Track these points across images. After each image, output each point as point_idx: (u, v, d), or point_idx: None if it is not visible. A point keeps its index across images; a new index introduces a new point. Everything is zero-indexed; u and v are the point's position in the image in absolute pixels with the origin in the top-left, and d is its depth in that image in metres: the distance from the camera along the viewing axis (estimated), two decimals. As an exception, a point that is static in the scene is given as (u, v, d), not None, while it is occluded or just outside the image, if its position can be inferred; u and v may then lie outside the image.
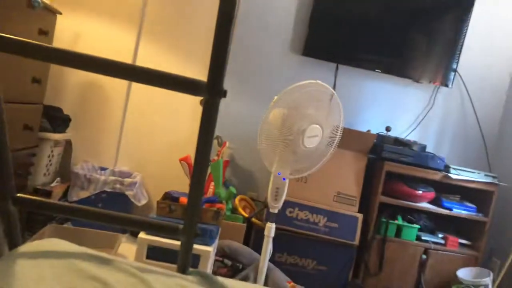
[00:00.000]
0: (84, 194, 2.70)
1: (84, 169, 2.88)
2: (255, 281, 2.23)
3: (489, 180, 2.82)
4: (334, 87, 3.09)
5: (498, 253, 2.90)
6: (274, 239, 2.14)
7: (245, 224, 2.64)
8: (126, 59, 3.03)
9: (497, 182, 2.82)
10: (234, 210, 2.76)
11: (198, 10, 3.09)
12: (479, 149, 3.21)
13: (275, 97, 1.94)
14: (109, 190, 2.73)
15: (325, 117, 2.06)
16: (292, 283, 2.43)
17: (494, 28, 3.21)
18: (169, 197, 2.33)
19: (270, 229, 2.18)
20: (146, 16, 3.06)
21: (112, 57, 0.79)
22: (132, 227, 1.15)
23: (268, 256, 2.18)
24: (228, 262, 2.43)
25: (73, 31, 3.02)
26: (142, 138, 3.13)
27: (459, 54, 3.10)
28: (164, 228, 1.03)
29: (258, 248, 2.26)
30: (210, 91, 0.73)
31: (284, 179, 2.13)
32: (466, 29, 3.08)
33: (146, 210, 2.98)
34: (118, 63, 0.79)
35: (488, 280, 2.58)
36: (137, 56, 3.05)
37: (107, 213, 1.07)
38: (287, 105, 2.00)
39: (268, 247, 2.17)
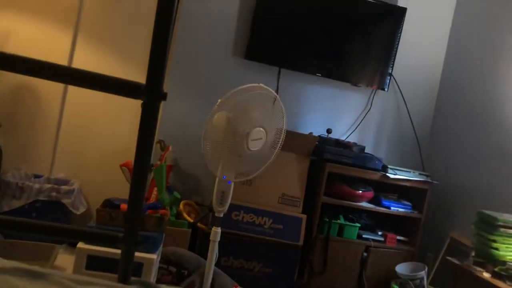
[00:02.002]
0: (16, 204, 2.53)
1: (15, 177, 2.70)
2: (201, 287, 2.19)
3: (423, 178, 2.98)
4: (276, 91, 3.13)
5: (431, 248, 3.07)
6: (220, 243, 2.12)
7: (190, 230, 2.59)
8: (61, 60, 2.88)
9: (430, 181, 2.98)
10: (178, 216, 2.70)
11: (140, 9, 3.01)
12: (414, 149, 3.38)
13: (219, 100, 1.93)
14: (44, 198, 2.58)
15: (268, 120, 2.08)
16: (239, 287, 2.43)
17: (425, 34, 3.41)
18: (110, 205, 2.24)
19: (216, 233, 2.16)
20: (83, 16, 2.93)
21: (46, 58, 0.75)
22: (68, 238, 1.09)
23: (214, 261, 2.16)
24: (172, 269, 2.38)
25: (1, 30, 2.82)
26: (80, 143, 2.99)
27: (394, 59, 3.26)
28: (102, 238, 0.99)
29: (204, 253, 2.22)
30: (149, 94, 0.70)
31: (229, 182, 2.12)
32: (400, 35, 3.25)
33: (85, 218, 2.85)
34: (50, 65, 0.75)
35: (423, 274, 2.73)
36: (74, 58, 2.91)
37: (41, 224, 1.00)
38: (231, 108, 1.99)
39: (213, 252, 2.15)
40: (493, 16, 3.00)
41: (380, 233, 3.01)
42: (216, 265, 2.27)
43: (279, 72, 3.17)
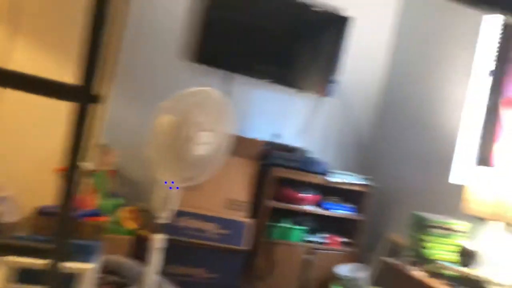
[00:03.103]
0: None
1: None
2: (143, 296, 2.13)
3: (364, 182, 3.09)
4: (225, 95, 3.11)
5: (371, 248, 3.18)
6: (165, 250, 2.07)
7: (133, 237, 2.51)
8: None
9: (370, 184, 3.10)
10: (121, 223, 2.61)
11: (81, 8, 2.89)
12: (357, 153, 3.50)
13: (163, 103, 1.89)
14: (-28, 206, 2.39)
15: (215, 124, 2.07)
16: (183, 294, 2.38)
17: (368, 43, 3.54)
18: (44, 212, 2.13)
19: (159, 240, 2.11)
20: (21, 14, 2.76)
21: None
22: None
23: (156, 269, 2.11)
24: (113, 279, 2.29)
25: None
26: (11, 148, 2.81)
27: (339, 65, 3.36)
28: (30, 250, 0.93)
29: (148, 262, 2.16)
30: (80, 96, 0.67)
31: (173, 187, 2.08)
32: (344, 43, 3.35)
33: (17, 228, 2.67)
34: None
35: (363, 274, 2.81)
36: (11, 57, 2.74)
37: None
38: (177, 112, 1.96)
39: (155, 259, 2.10)
40: (433, 27, 3.17)
41: (324, 235, 3.07)
42: (160, 273, 2.21)
43: (228, 76, 3.17)
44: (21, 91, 0.71)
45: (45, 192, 2.77)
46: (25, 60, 2.77)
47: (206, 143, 1.99)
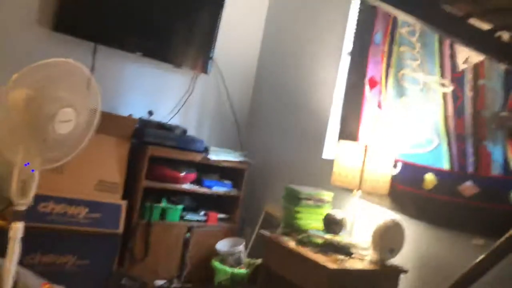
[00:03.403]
0: None
1: None
2: (-1, 292, 1.90)
3: (241, 159, 3.16)
4: (92, 68, 2.87)
5: (249, 222, 3.30)
6: (25, 239, 1.86)
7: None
8: None
9: (247, 160, 3.18)
10: (-31, 212, 2.28)
11: None
12: (234, 130, 3.55)
13: (14, 76, 1.66)
14: None
15: (80, 100, 1.88)
16: (49, 285, 2.18)
17: (243, 20, 3.56)
18: None
19: (17, 229, 1.88)
20: None
21: None
22: None
23: (15, 262, 1.88)
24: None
25: None
26: None
27: (215, 42, 3.33)
28: None
29: (3, 253, 1.92)
30: None
31: (32, 170, 1.86)
32: (220, 20, 3.33)
33: None
34: None
35: (241, 248, 2.91)
36: None
37: None
38: (32, 85, 1.74)
39: (14, 250, 1.87)
40: (305, 7, 3.31)
41: (202, 213, 3.08)
42: (19, 264, 1.99)
43: (94, 48, 2.91)
44: None
45: None
46: None
47: (69, 120, 1.80)
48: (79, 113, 1.85)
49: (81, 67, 1.85)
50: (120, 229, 2.58)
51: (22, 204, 1.88)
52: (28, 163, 1.85)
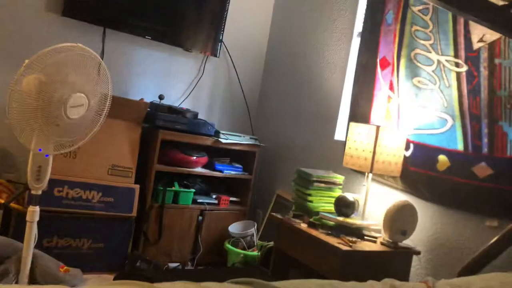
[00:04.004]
0: None
1: None
2: (17, 274, 1.94)
3: (252, 142, 3.16)
4: (102, 53, 2.88)
5: (260, 206, 3.32)
6: (41, 223, 1.90)
7: (1, 211, 2.26)
8: None
9: (258, 144, 3.18)
10: (-13, 197, 2.32)
11: None
12: (244, 114, 3.54)
13: (26, 61, 1.66)
14: None
15: (91, 84, 1.89)
16: (66, 267, 2.23)
17: (253, 3, 3.52)
18: None
19: (33, 213, 1.92)
20: None
21: None
22: None
23: (32, 244, 1.92)
24: (-19, 258, 2.05)
25: None
26: None
27: (224, 25, 3.30)
28: None
29: (21, 237, 1.96)
30: None
31: (46, 155, 1.89)
32: (229, 2, 3.29)
33: None
34: None
35: (253, 231, 2.93)
36: None
37: None
38: (44, 70, 1.74)
39: (31, 234, 1.91)
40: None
41: (214, 196, 3.10)
42: (37, 247, 2.03)
43: (104, 32, 2.91)
44: None
45: None
46: None
47: (81, 105, 1.81)
48: (91, 98, 1.86)
49: (91, 52, 1.85)
50: (134, 212, 2.62)
51: (38, 188, 1.91)
52: (41, 149, 1.87)
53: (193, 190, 2.95)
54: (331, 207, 2.36)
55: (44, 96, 1.74)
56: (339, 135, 2.91)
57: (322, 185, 2.43)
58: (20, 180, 2.65)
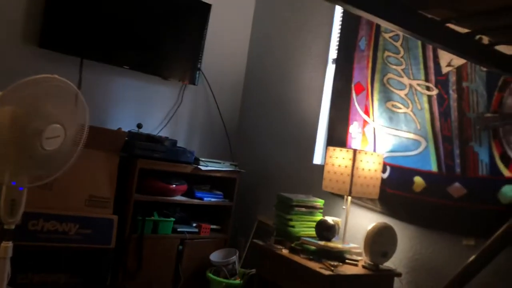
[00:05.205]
0: None
1: None
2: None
3: (232, 168, 3.16)
4: (79, 83, 2.87)
5: (242, 232, 3.29)
6: (14, 259, 1.84)
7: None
8: None
9: (238, 170, 3.18)
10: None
11: None
12: (224, 140, 3.55)
13: (1, 93, 1.65)
14: None
15: (68, 115, 1.88)
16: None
17: (229, 30, 3.59)
18: None
19: (7, 249, 1.86)
20: None
21: None
22: None
23: (6, 281, 1.86)
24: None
25: None
26: None
27: (202, 54, 3.35)
28: None
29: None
30: None
31: (21, 188, 1.85)
32: (206, 31, 3.35)
33: None
34: None
35: (234, 258, 2.90)
36: None
37: None
38: (18, 102, 1.73)
39: (4, 270, 1.85)
40: (290, 15, 3.34)
41: (194, 224, 3.07)
42: (11, 284, 1.96)
43: (81, 63, 2.91)
44: None
45: None
46: None
47: (57, 136, 1.80)
48: (67, 129, 1.85)
49: (68, 83, 1.85)
50: (112, 244, 2.56)
51: (11, 223, 1.86)
52: (15, 182, 1.83)
53: (172, 219, 2.91)
54: (313, 232, 2.36)
55: (19, 128, 1.72)
56: (317, 159, 2.95)
57: (303, 209, 2.44)
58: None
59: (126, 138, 2.78)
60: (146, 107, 3.24)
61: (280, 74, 3.34)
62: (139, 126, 3.00)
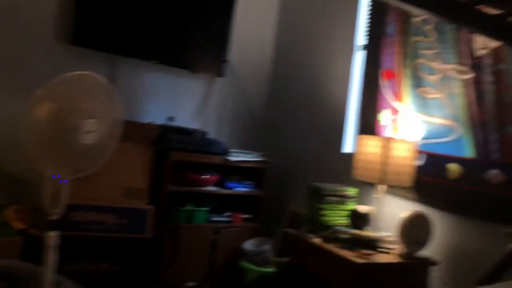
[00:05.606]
0: None
1: None
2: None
3: (261, 159, 3.18)
4: (111, 79, 2.94)
5: (275, 221, 3.31)
6: (60, 248, 1.93)
7: (22, 238, 2.31)
8: None
9: (267, 160, 3.19)
10: (8, 224, 2.38)
11: None
12: (252, 131, 3.57)
13: (39, 91, 1.73)
14: None
15: (102, 110, 1.95)
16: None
17: (256, 19, 3.58)
18: None
19: (52, 238, 1.96)
20: None
21: None
22: None
23: (52, 269, 1.96)
24: (2, 284, 2.09)
25: None
26: None
27: (229, 45, 3.36)
28: None
29: (40, 262, 2.00)
30: None
31: (62, 181, 1.94)
32: (232, 22, 3.36)
33: None
34: None
35: (267, 247, 2.93)
36: None
37: None
38: (56, 98, 1.81)
39: (51, 259, 1.95)
40: (312, 6, 3.31)
41: (227, 214, 3.11)
42: (58, 272, 2.07)
43: (113, 59, 2.99)
44: None
45: None
46: None
47: (94, 130, 1.87)
48: (102, 124, 1.91)
49: (101, 79, 1.91)
50: (148, 233, 2.64)
51: (55, 213, 1.95)
52: (58, 175, 1.92)
53: (206, 208, 2.97)
54: (344, 221, 2.36)
55: (58, 124, 1.80)
56: (347, 148, 2.92)
57: (334, 198, 2.43)
58: (38, 206, 2.70)
59: (159, 131, 2.85)
60: (177, 100, 3.29)
61: (307, 62, 3.31)
62: (171, 119, 3.06)
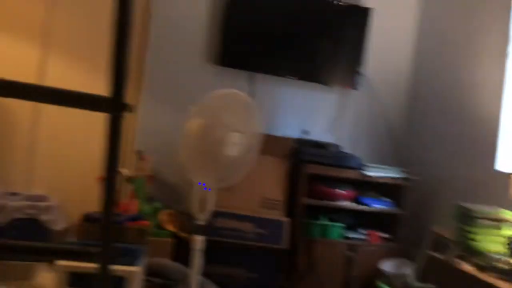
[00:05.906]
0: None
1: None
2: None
3: (401, 175, 3.01)
4: (250, 95, 3.13)
5: (413, 243, 3.10)
6: (205, 251, 2.10)
7: (173, 240, 2.57)
8: (30, 76, 2.82)
9: (408, 177, 3.01)
10: (160, 226, 2.67)
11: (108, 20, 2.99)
12: (390, 146, 3.42)
13: (192, 108, 1.93)
14: (22, 216, 2.52)
15: (243, 124, 2.09)
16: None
17: (392, 32, 3.45)
18: (89, 219, 2.21)
19: (198, 242, 2.14)
20: (51, 29, 2.88)
21: (13, 76, 0.73)
22: (42, 256, 1.07)
23: (198, 270, 2.14)
24: (157, 281, 2.35)
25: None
26: (57, 159, 2.92)
27: (363, 58, 3.30)
28: (76, 253, 0.97)
29: (189, 263, 2.21)
30: (112, 107, 0.69)
31: (208, 189, 2.12)
32: (367, 34, 3.29)
33: (66, 234, 2.78)
34: (9, 83, 0.73)
35: (409, 270, 2.74)
36: (44, 73, 2.86)
37: (14, 244, 0.98)
38: (205, 115, 2.00)
39: (197, 260, 2.13)
40: (459, 7, 3.06)
41: (363, 231, 3.02)
42: (202, 274, 2.25)
43: (252, 76, 3.18)
44: (56, 105, 0.74)
45: (90, 199, 2.88)
46: (58, 75, 2.88)
47: (237, 143, 2.01)
48: (245, 137, 2.05)
49: (244, 95, 2.06)
50: (285, 245, 2.70)
51: (202, 219, 2.14)
52: (204, 183, 2.11)
53: (342, 224, 2.92)
54: (500, 248, 2.09)
55: (206, 137, 1.98)
56: (500, 165, 2.59)
57: (488, 222, 2.18)
58: (187, 211, 2.99)
59: (294, 145, 2.92)
60: (311, 114, 3.34)
61: (451, 72, 3.05)
62: (306, 132, 3.11)
